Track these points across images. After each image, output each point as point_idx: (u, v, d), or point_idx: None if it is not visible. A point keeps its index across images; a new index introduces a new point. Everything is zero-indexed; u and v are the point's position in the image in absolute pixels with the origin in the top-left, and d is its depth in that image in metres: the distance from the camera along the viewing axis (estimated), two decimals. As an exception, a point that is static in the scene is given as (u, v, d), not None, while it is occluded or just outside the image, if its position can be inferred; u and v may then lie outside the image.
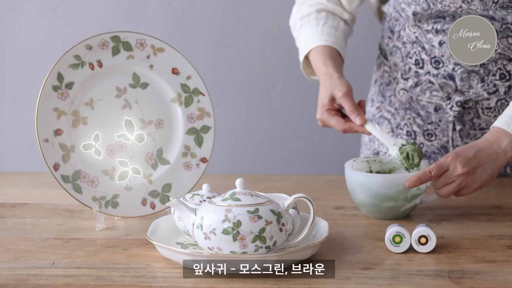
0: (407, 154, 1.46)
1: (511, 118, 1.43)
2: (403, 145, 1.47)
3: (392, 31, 1.70)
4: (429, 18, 1.59)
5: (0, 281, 1.15)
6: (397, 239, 1.25)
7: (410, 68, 1.66)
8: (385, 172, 1.50)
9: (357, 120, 1.51)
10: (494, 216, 1.44)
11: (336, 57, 1.64)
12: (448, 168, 1.38)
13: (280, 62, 2.51)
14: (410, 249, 1.25)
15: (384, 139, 1.50)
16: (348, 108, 1.52)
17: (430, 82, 1.63)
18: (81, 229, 1.38)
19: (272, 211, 1.16)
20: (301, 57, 1.68)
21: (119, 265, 1.21)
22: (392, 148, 1.48)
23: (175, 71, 1.46)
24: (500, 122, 1.43)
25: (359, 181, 1.41)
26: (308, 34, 1.67)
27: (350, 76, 1.63)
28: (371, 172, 1.49)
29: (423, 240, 1.24)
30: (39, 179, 1.72)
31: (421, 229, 1.25)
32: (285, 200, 1.21)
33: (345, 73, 1.64)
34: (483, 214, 1.46)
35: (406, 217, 1.44)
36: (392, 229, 1.25)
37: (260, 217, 1.15)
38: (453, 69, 1.60)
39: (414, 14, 1.59)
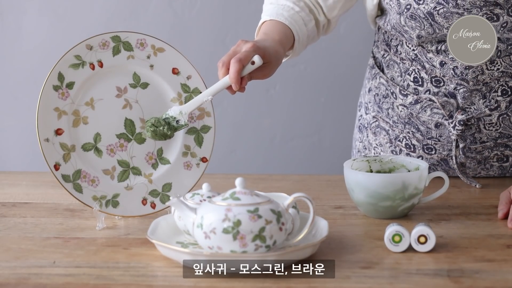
0: (156, 130, 1.42)
1: None
2: (166, 120, 1.42)
3: (388, 45, 1.67)
4: (433, 39, 1.57)
5: (0, 280, 1.15)
6: (397, 238, 1.25)
7: (409, 85, 1.64)
8: (385, 172, 1.50)
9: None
10: (493, 215, 1.45)
11: (287, 40, 1.56)
12: None
13: (280, 62, 2.51)
14: (410, 248, 1.25)
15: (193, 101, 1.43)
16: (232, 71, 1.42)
17: (430, 100, 1.61)
18: (81, 228, 1.39)
19: (272, 210, 1.16)
20: (260, 22, 1.61)
21: (120, 264, 1.21)
22: (176, 108, 1.43)
23: (175, 71, 1.46)
24: None
25: (357, 180, 1.41)
26: (278, 8, 1.60)
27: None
28: (371, 171, 1.50)
29: (422, 239, 1.25)
30: (39, 179, 1.72)
31: (420, 229, 1.25)
32: (285, 200, 1.22)
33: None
34: (482, 213, 1.46)
35: (405, 216, 1.44)
36: (392, 229, 1.25)
37: (260, 217, 1.15)
38: (455, 88, 1.59)
39: (419, 37, 1.57)
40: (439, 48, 1.57)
